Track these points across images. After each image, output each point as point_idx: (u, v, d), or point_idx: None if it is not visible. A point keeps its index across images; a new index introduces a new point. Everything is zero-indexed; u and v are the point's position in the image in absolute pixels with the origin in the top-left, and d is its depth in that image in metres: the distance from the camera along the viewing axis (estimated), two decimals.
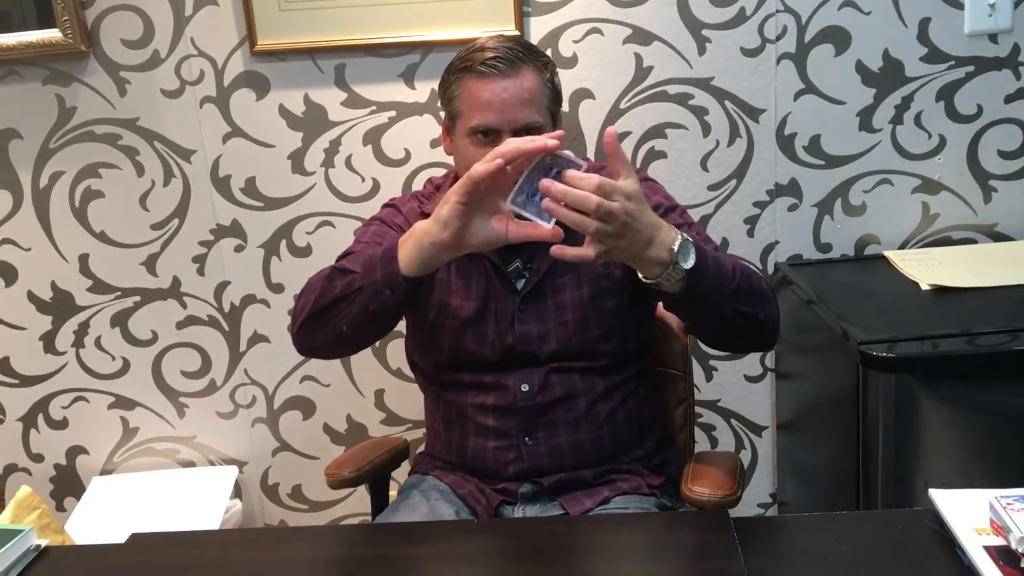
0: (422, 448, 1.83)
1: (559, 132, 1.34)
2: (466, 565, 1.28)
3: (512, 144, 1.30)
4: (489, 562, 1.29)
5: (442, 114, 1.66)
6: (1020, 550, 1.11)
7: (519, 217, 1.33)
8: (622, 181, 1.28)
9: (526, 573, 1.23)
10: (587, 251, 1.28)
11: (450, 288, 1.63)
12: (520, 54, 1.55)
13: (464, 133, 1.58)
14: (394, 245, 1.39)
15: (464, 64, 1.57)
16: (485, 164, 1.28)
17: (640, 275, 1.37)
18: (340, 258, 1.61)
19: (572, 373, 1.63)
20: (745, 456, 2.32)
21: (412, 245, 1.37)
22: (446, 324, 1.63)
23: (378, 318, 1.44)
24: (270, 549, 1.37)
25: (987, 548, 1.15)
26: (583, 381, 1.63)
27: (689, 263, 1.33)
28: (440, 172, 2.11)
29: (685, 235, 1.35)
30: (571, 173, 1.26)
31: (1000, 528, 1.16)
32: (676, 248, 1.32)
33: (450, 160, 1.75)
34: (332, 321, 1.46)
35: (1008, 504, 1.17)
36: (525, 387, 1.61)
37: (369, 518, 2.17)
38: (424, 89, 2.09)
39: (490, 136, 1.55)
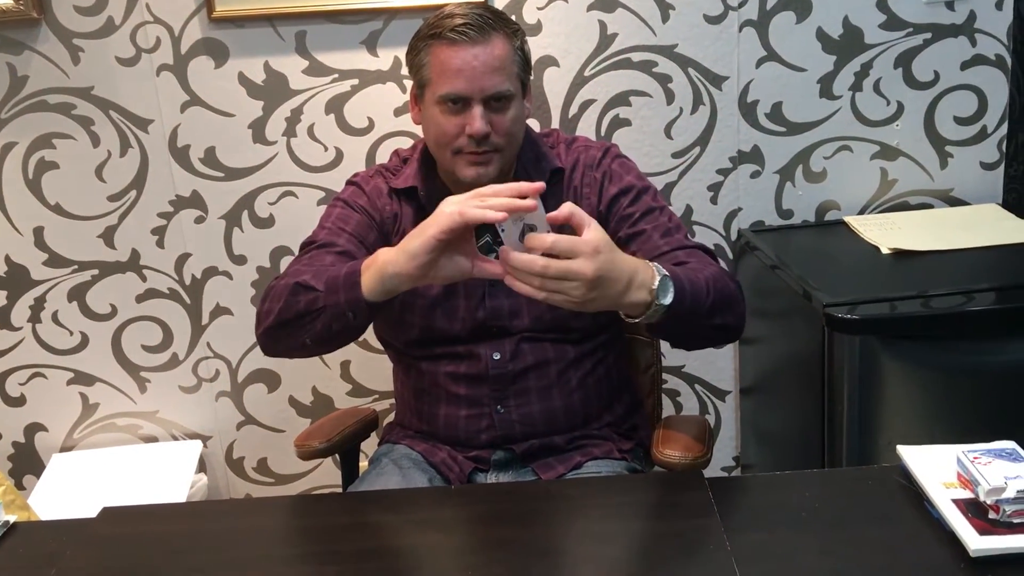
0: (391, 418, 1.82)
1: (540, 184, 1.25)
2: (445, 531, 1.28)
3: (507, 202, 1.23)
4: (468, 527, 1.29)
5: (408, 82, 1.64)
6: (988, 502, 1.14)
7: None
8: (586, 234, 1.22)
9: (506, 537, 1.24)
10: (536, 293, 1.23)
11: None
12: (490, 21, 1.53)
13: (433, 101, 1.55)
14: (356, 269, 1.36)
15: (433, 31, 1.54)
16: (482, 210, 1.22)
17: (621, 314, 1.34)
18: (305, 246, 1.58)
19: (543, 342, 1.63)
20: (709, 420, 2.35)
21: (375, 273, 1.33)
22: (415, 304, 1.61)
23: (342, 334, 1.44)
24: (245, 519, 1.36)
25: (955, 501, 1.18)
26: (554, 349, 1.63)
27: (669, 299, 1.31)
28: (404, 141, 2.10)
29: (662, 269, 1.32)
30: (530, 236, 1.21)
31: (968, 481, 1.19)
32: (656, 286, 1.30)
33: (415, 129, 1.74)
34: (296, 334, 1.45)
35: (975, 458, 1.20)
36: (497, 355, 1.61)
37: (337, 490, 2.16)
38: (387, 57, 2.06)
39: (460, 104, 1.53)
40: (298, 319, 1.42)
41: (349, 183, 1.69)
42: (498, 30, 1.53)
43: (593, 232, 1.23)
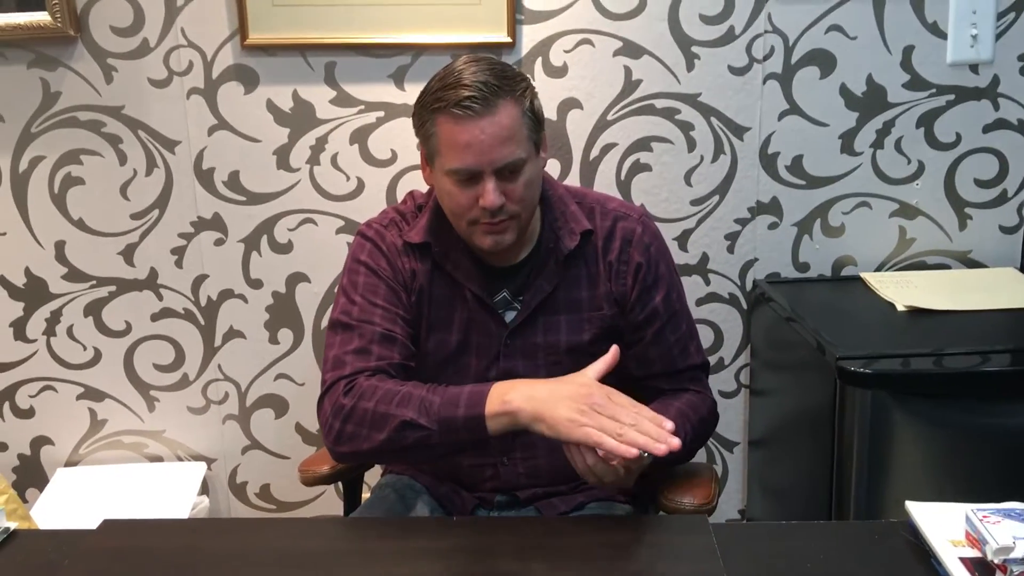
0: None
1: (674, 443, 1.32)
2: (444, 561, 1.27)
3: (645, 441, 1.31)
4: (467, 559, 1.28)
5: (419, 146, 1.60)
6: (996, 561, 1.13)
7: None
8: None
9: (505, 571, 1.23)
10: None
11: (430, 324, 1.60)
12: (496, 88, 1.45)
13: (443, 172, 1.51)
14: (480, 414, 1.38)
15: (438, 104, 1.47)
16: (617, 445, 1.30)
17: None
18: (339, 324, 1.54)
19: None
20: (716, 471, 2.32)
21: (507, 422, 1.39)
22: (426, 360, 1.59)
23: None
24: (244, 539, 1.35)
25: (963, 560, 1.17)
26: None
27: (648, 460, 1.38)
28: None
29: None
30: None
31: (976, 540, 1.18)
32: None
33: None
34: (398, 459, 1.63)
35: (984, 517, 1.18)
36: None
37: None
38: (413, 91, 2.06)
39: (471, 177, 1.48)
40: (404, 451, 1.45)
41: (365, 237, 1.62)
42: (504, 96, 1.46)
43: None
